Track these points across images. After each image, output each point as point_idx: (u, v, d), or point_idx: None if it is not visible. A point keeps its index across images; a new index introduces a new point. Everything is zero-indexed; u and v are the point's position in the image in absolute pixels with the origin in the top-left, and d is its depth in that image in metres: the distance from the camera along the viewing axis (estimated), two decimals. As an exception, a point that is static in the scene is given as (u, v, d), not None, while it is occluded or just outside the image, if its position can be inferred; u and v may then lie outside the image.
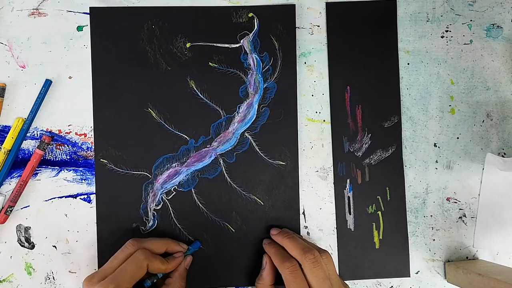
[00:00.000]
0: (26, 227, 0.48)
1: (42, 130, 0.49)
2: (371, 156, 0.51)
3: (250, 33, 0.50)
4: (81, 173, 0.49)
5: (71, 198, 0.49)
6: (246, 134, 0.50)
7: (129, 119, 0.49)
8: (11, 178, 0.48)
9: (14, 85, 0.49)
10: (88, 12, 0.49)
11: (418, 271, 0.50)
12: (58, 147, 0.49)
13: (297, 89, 0.51)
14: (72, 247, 0.48)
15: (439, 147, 0.51)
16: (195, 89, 0.50)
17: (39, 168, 0.48)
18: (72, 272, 0.48)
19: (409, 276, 0.50)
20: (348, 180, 0.50)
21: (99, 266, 0.48)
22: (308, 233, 0.50)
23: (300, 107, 0.51)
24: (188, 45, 0.50)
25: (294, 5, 0.51)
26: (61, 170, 0.49)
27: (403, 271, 0.50)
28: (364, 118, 0.51)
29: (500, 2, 0.52)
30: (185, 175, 0.49)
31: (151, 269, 0.43)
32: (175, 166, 0.49)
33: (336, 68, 0.51)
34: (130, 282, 0.41)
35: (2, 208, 0.47)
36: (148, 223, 0.49)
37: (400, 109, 0.51)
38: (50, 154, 0.49)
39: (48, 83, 0.48)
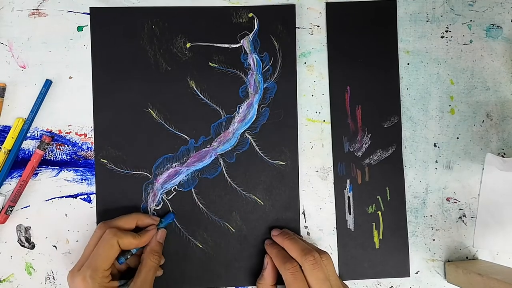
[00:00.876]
0: (26, 227, 0.48)
1: (42, 130, 0.49)
2: (371, 156, 0.51)
3: (250, 33, 0.50)
4: (81, 173, 0.49)
5: (71, 198, 0.49)
6: (246, 134, 0.50)
7: (129, 119, 0.49)
8: (11, 178, 0.48)
9: (14, 85, 0.49)
10: (88, 12, 0.50)
11: (418, 271, 0.50)
12: (58, 147, 0.49)
13: (297, 89, 0.51)
14: (72, 247, 0.48)
15: (439, 147, 0.51)
16: (195, 89, 0.50)
17: (39, 168, 0.48)
18: (72, 272, 0.48)
19: (409, 276, 0.50)
20: (348, 180, 0.51)
21: (99, 266, 0.48)
22: (308, 233, 0.50)
23: (300, 107, 0.51)
24: (188, 45, 0.50)
25: (294, 5, 0.51)
26: (61, 170, 0.49)
27: (403, 271, 0.50)
28: (364, 118, 0.51)
29: (500, 2, 0.52)
30: (185, 175, 0.49)
31: (123, 245, 0.43)
32: (175, 166, 0.49)
33: (336, 68, 0.51)
34: (106, 263, 0.42)
35: (2, 208, 0.47)
36: (148, 223, 0.49)
37: (400, 109, 0.51)
38: (50, 154, 0.49)
39: (48, 83, 0.48)
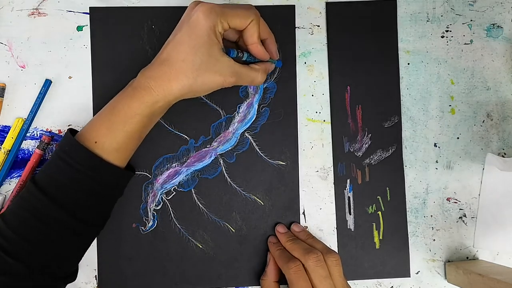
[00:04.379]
0: (26, 227, 0.48)
1: (42, 130, 0.49)
2: (371, 156, 0.51)
3: (250, 33, 0.50)
4: (81, 173, 0.49)
5: (71, 198, 0.49)
6: (246, 134, 0.50)
7: (129, 119, 0.49)
8: (11, 178, 0.48)
9: (14, 85, 0.49)
10: (88, 12, 0.49)
11: (418, 271, 0.50)
12: (58, 147, 0.49)
13: (297, 89, 0.51)
14: (72, 247, 0.48)
15: (439, 147, 0.51)
16: (195, 89, 0.50)
17: (39, 168, 0.48)
18: (72, 272, 0.48)
19: (409, 276, 0.50)
20: (348, 180, 0.50)
21: (99, 266, 0.48)
22: (308, 233, 0.50)
23: (300, 107, 0.51)
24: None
25: (294, 5, 0.51)
26: (61, 170, 0.49)
27: (403, 271, 0.50)
28: (364, 118, 0.51)
29: (500, 2, 0.52)
30: (185, 175, 0.49)
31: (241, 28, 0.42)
32: (175, 166, 0.49)
33: (336, 68, 0.51)
34: (236, 19, 0.40)
35: (2, 208, 0.47)
36: (148, 223, 0.49)
37: (400, 109, 0.51)
38: (50, 154, 0.49)
39: (48, 83, 0.48)
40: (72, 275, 0.43)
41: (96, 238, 0.48)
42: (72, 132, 0.42)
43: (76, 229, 0.40)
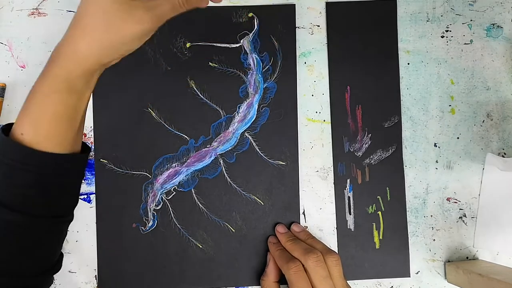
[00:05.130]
0: (26, 227, 0.48)
1: (42, 130, 0.49)
2: (371, 156, 0.51)
3: (250, 33, 0.50)
4: (81, 173, 0.49)
5: (71, 198, 0.49)
6: (246, 134, 0.50)
7: (129, 119, 0.49)
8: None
9: (14, 85, 0.49)
10: (88, 12, 0.49)
11: (418, 271, 0.50)
12: (58, 147, 0.49)
13: (297, 89, 0.51)
14: (72, 247, 0.48)
15: (439, 147, 0.51)
16: (195, 89, 0.50)
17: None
18: (72, 272, 0.48)
19: (409, 276, 0.50)
20: (348, 180, 0.50)
21: (99, 266, 0.48)
22: (308, 233, 0.50)
23: (300, 107, 0.51)
24: (188, 45, 0.50)
25: (294, 5, 0.51)
26: (61, 170, 0.49)
27: (403, 271, 0.50)
28: (364, 118, 0.51)
29: (500, 2, 0.52)
30: (185, 175, 0.49)
31: None
32: (175, 166, 0.49)
33: (336, 68, 0.51)
34: None
35: None
36: (148, 223, 0.49)
37: (400, 109, 0.51)
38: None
39: (48, 83, 0.48)
40: (53, 268, 0.41)
41: (96, 238, 0.48)
42: (8, 129, 0.38)
43: (36, 225, 0.38)
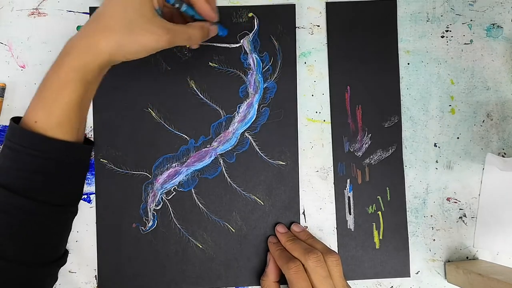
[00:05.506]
0: (26, 227, 0.48)
1: (42, 130, 0.49)
2: (371, 156, 0.51)
3: (250, 33, 0.50)
4: (81, 173, 0.49)
5: (71, 198, 0.49)
6: (246, 134, 0.50)
7: (129, 119, 0.49)
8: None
9: (14, 85, 0.49)
10: (88, 12, 0.49)
11: (418, 271, 0.50)
12: (58, 147, 0.49)
13: (297, 89, 0.51)
14: (72, 247, 0.48)
15: (439, 147, 0.51)
16: (195, 89, 0.50)
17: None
18: (72, 272, 0.48)
19: (409, 276, 0.50)
20: (348, 180, 0.50)
21: (99, 266, 0.48)
22: (308, 233, 0.50)
23: (300, 107, 0.51)
24: (188, 45, 0.50)
25: (294, 5, 0.51)
26: (61, 170, 0.49)
27: (403, 271, 0.50)
28: (364, 118, 0.51)
29: (500, 2, 0.52)
30: (185, 175, 0.49)
31: None
32: (175, 166, 0.49)
33: (336, 68, 0.51)
34: None
35: None
36: (148, 223, 0.49)
37: (400, 109, 0.51)
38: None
39: (48, 83, 0.48)
40: (59, 260, 0.42)
41: (96, 238, 0.48)
42: (17, 120, 0.40)
43: (40, 212, 0.39)
